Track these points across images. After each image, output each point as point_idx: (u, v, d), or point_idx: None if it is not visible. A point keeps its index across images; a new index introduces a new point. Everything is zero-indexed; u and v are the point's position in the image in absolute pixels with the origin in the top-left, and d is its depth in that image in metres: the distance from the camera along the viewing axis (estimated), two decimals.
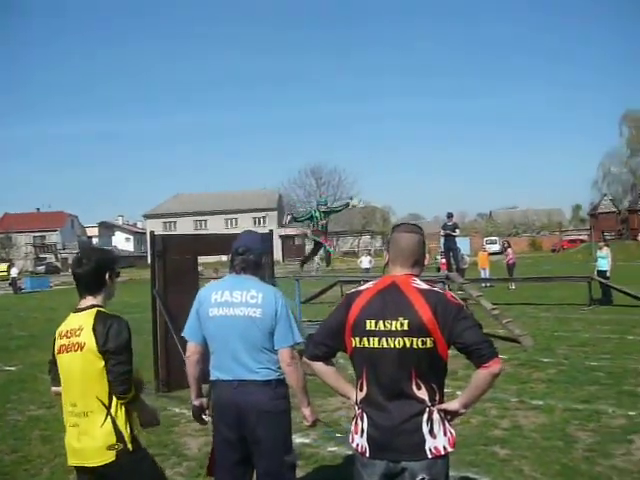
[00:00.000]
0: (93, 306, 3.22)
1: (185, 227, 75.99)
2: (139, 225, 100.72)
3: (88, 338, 3.09)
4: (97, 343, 3.06)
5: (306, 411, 3.59)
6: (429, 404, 2.71)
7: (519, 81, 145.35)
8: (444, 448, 2.71)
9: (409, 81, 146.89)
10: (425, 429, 2.69)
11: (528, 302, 17.68)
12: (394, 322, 2.70)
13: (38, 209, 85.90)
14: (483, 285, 23.97)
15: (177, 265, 8.46)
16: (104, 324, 3.10)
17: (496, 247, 60.16)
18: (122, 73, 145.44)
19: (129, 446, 3.14)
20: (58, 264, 74.85)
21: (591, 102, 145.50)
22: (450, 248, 19.37)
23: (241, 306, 3.45)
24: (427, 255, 3.03)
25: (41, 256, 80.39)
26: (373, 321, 2.74)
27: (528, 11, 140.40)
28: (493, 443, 5.85)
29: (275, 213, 75.74)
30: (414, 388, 2.70)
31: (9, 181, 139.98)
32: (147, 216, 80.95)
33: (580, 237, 66.87)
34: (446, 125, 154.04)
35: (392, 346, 2.70)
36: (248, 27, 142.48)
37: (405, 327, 2.68)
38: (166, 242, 8.63)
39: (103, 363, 3.07)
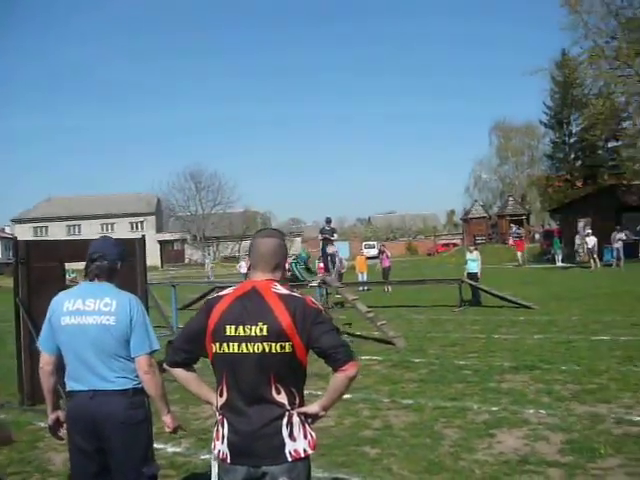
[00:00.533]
0: None
1: (57, 233, 72.65)
2: (7, 230, 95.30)
3: None
4: None
5: (166, 419, 3.52)
6: (289, 408, 2.73)
7: (402, 87, 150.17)
8: (304, 451, 2.73)
9: (285, 82, 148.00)
10: (285, 432, 2.71)
11: (403, 304, 18.22)
12: (254, 327, 2.71)
13: None
14: (361, 289, 24.55)
15: (42, 272, 8.10)
16: None
17: (374, 251, 61.77)
18: None
19: None
20: None
21: (465, 111, 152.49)
22: (328, 252, 19.68)
23: (94, 314, 3.37)
24: (289, 259, 3.03)
25: None
26: (233, 326, 2.74)
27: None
28: (364, 443, 5.95)
29: (153, 218, 74.07)
30: (273, 393, 2.72)
31: None
32: (15, 221, 76.69)
33: (453, 241, 69.85)
34: (326, 130, 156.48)
35: (251, 351, 2.71)
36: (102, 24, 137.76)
37: (264, 332, 2.70)
38: (30, 248, 8.25)
39: None
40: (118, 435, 3.30)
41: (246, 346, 2.71)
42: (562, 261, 34.37)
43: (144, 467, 3.40)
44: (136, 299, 3.53)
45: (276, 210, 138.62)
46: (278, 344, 2.68)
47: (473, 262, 18.42)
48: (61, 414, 3.53)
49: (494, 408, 6.85)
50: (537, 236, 53.88)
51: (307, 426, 2.79)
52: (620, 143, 43.47)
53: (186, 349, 2.87)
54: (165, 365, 2.94)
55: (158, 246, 71.71)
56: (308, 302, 2.79)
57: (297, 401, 2.77)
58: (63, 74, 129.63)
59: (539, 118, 59.96)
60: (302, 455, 2.72)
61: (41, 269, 8.14)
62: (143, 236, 9.66)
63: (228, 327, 2.74)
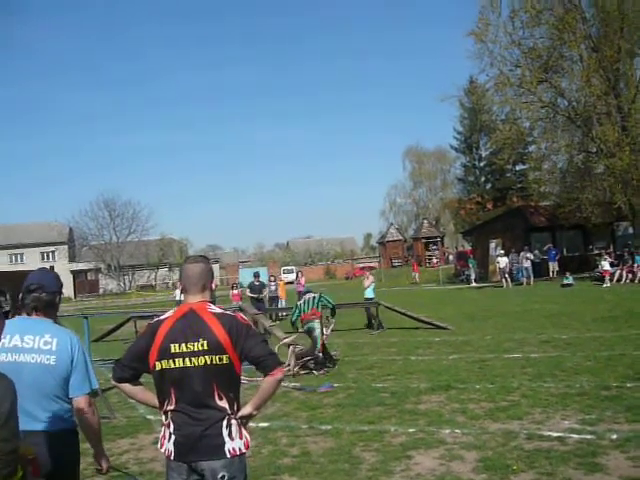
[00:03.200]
0: None
1: None
2: None
3: None
4: None
5: (101, 460, 3.56)
6: (229, 412, 3.13)
7: (319, 108, 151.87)
8: (239, 449, 3.13)
9: (197, 107, 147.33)
10: (225, 433, 3.10)
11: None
12: (196, 343, 3.11)
13: None
14: (280, 315, 24.44)
15: None
16: None
17: (293, 276, 61.88)
18: None
19: None
20: None
21: (379, 135, 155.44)
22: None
23: (33, 352, 3.26)
24: (215, 280, 3.51)
25: None
26: (177, 344, 3.12)
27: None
28: (282, 471, 5.89)
29: (65, 247, 71.54)
30: (217, 399, 3.11)
31: None
32: None
33: (370, 264, 70.78)
34: (242, 156, 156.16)
35: (196, 364, 3.10)
36: None
37: (205, 347, 3.10)
38: None
39: None
40: (52, 476, 3.16)
41: (190, 360, 3.11)
42: (475, 281, 35.26)
43: None
44: (76, 338, 3.44)
45: (193, 237, 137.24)
46: (217, 356, 3.10)
47: (367, 288, 18.83)
48: None
49: (411, 430, 6.91)
50: (451, 257, 55.28)
51: (243, 429, 3.20)
52: (527, 166, 45.45)
53: (133, 366, 3.25)
54: (112, 381, 3.30)
55: (71, 276, 69.19)
56: (239, 319, 3.25)
57: (235, 406, 3.18)
58: None
59: (450, 143, 62.18)
60: (238, 453, 3.13)
61: None
62: (52, 267, 9.29)
63: (173, 345, 3.13)
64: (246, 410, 3.23)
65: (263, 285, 19.54)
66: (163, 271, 71.49)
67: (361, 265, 70.01)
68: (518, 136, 33.16)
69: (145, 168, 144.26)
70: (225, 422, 3.12)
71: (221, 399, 3.12)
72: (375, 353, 12.99)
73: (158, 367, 3.14)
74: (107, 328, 18.80)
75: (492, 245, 36.62)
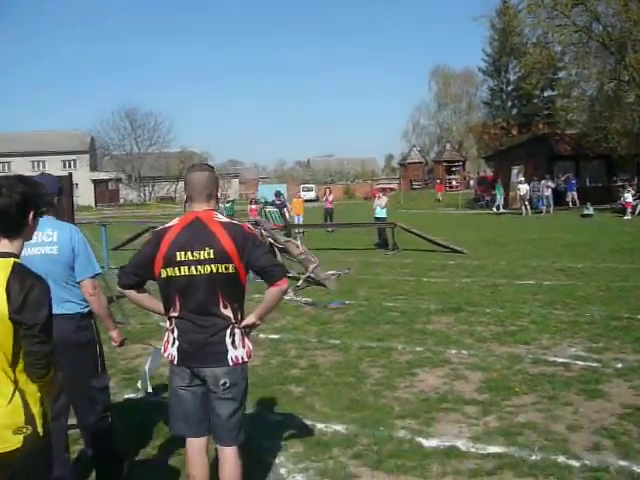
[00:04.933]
0: (8, 255, 2.40)
1: None
2: None
3: None
4: (9, 308, 2.27)
5: (113, 333, 3.91)
6: (233, 321, 3.18)
7: (338, 34, 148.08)
8: (242, 358, 3.20)
9: (222, 21, 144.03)
10: (228, 341, 3.16)
11: (337, 247, 18.35)
12: (202, 252, 3.11)
13: None
14: (297, 231, 24.56)
15: None
16: (22, 284, 2.31)
17: (312, 194, 61.83)
18: None
19: (39, 430, 2.38)
20: None
21: (406, 55, 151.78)
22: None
23: (37, 246, 3.56)
24: (220, 189, 3.53)
25: None
26: (183, 252, 3.12)
27: None
28: (289, 382, 6.00)
29: (87, 156, 71.69)
30: (221, 308, 3.15)
31: None
32: None
33: (390, 186, 70.37)
34: (266, 70, 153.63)
35: (202, 272, 3.11)
36: None
37: (212, 255, 3.10)
38: None
39: (12, 332, 2.28)
40: (69, 356, 3.48)
41: (196, 268, 3.11)
42: (500, 207, 34.64)
43: (93, 380, 3.77)
44: (75, 228, 3.83)
45: (214, 151, 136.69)
46: (223, 265, 3.10)
47: (381, 208, 18.80)
48: None
49: (418, 348, 7.00)
50: (472, 182, 54.76)
51: (246, 339, 3.25)
52: (555, 93, 44.26)
53: (137, 273, 3.27)
54: (118, 287, 3.37)
55: (92, 185, 69.80)
56: (246, 229, 3.23)
57: (240, 315, 3.22)
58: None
59: (478, 65, 60.44)
60: (240, 361, 3.19)
61: None
62: (70, 174, 9.25)
63: (178, 253, 3.13)
64: (250, 319, 3.27)
65: (284, 204, 19.53)
66: (183, 184, 71.53)
67: (381, 186, 69.78)
68: (548, 60, 32.23)
69: (168, 80, 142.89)
70: (229, 331, 3.17)
71: (225, 308, 3.16)
72: (388, 273, 13.06)
73: (164, 275, 3.17)
74: (126, 237, 19.03)
75: (514, 172, 36.19)
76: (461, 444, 4.43)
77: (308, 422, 4.94)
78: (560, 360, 6.33)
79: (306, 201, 58.60)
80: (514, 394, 5.39)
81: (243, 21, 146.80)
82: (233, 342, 3.18)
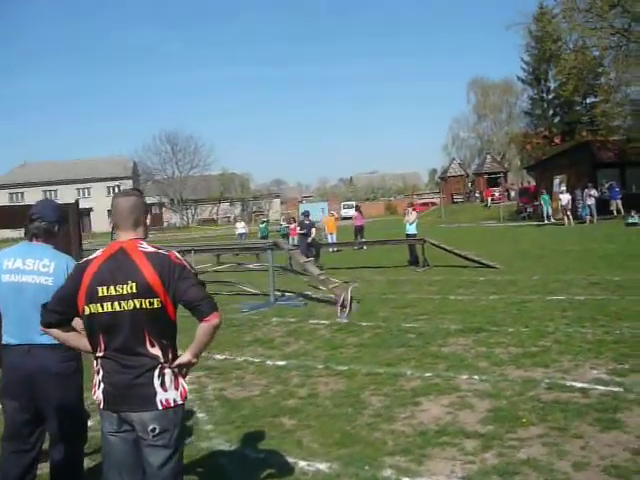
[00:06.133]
0: None
1: (34, 198, 71.24)
2: None
3: None
4: None
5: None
6: (162, 361, 2.91)
7: (382, 47, 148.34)
8: (174, 401, 2.93)
9: (265, 45, 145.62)
10: (157, 382, 2.89)
11: (367, 265, 17.98)
12: (125, 286, 2.87)
13: None
14: (330, 250, 24.25)
15: None
16: None
17: (353, 211, 61.47)
18: None
19: None
20: None
21: (443, 68, 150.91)
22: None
23: (32, 274, 3.64)
24: (149, 215, 3.20)
25: None
26: (105, 287, 2.89)
27: None
28: (284, 414, 5.66)
29: (130, 181, 72.75)
30: (148, 346, 2.89)
31: None
32: None
33: (432, 200, 69.60)
34: (309, 91, 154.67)
35: (125, 309, 2.87)
36: None
37: (134, 289, 2.86)
38: None
39: None
40: (52, 386, 3.57)
41: (119, 304, 2.87)
42: (551, 217, 33.21)
43: (76, 412, 3.76)
44: (72, 261, 3.75)
45: (257, 172, 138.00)
46: (147, 300, 2.86)
47: (410, 224, 18.16)
48: None
49: (427, 374, 6.57)
50: (513, 194, 53.58)
51: (180, 378, 2.99)
52: (597, 99, 43.10)
53: (59, 311, 3.03)
54: (41, 327, 3.12)
55: None
56: (173, 258, 2.95)
57: (170, 354, 2.95)
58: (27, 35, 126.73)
59: (517, 74, 59.41)
60: (172, 405, 2.92)
61: None
62: (76, 201, 9.21)
63: (100, 288, 2.89)
64: (184, 358, 2.99)
65: (312, 224, 19.23)
66: (224, 205, 72.12)
67: (421, 201, 69.04)
68: (585, 65, 31.25)
69: (206, 103, 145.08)
70: (157, 371, 2.91)
71: (153, 346, 2.91)
72: (414, 291, 12.61)
73: (87, 312, 2.95)
74: None
75: (556, 181, 35.09)
76: None
77: (291, 460, 4.59)
78: (578, 385, 5.81)
79: (346, 219, 58.56)
80: (521, 425, 4.93)
81: (283, 40, 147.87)
82: (163, 384, 2.91)
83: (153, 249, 3.00)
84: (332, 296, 11.12)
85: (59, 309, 3.03)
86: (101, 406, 2.98)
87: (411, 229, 17.88)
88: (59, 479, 3.79)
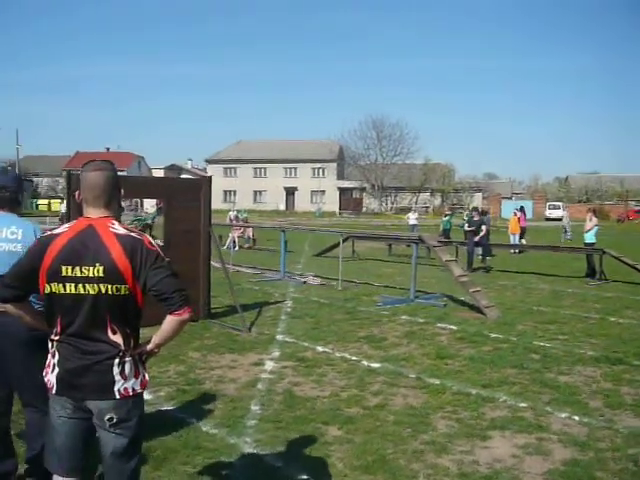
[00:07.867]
0: None
1: (245, 174, 76.03)
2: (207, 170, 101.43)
3: None
4: None
5: None
6: (123, 348, 2.73)
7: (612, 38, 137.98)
8: (133, 389, 2.76)
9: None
10: (116, 371, 2.71)
11: (535, 271, 16.56)
12: (91, 268, 2.66)
13: (108, 149, 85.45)
14: (512, 252, 22.78)
15: None
16: None
17: (559, 213, 57.66)
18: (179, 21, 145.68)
19: None
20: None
21: None
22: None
23: (1, 242, 3.67)
24: (122, 191, 2.92)
25: None
26: (70, 267, 2.68)
27: None
28: (335, 422, 5.19)
29: (334, 165, 74.52)
30: (109, 333, 2.71)
31: (82, 122, 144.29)
32: (209, 161, 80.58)
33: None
34: (522, 83, 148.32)
35: (88, 292, 2.67)
36: None
37: (101, 273, 2.65)
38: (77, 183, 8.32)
39: None
40: (20, 352, 3.59)
41: (83, 287, 2.67)
42: None
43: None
44: (40, 228, 3.74)
45: (460, 163, 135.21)
46: (114, 286, 2.66)
47: (588, 231, 16.21)
48: None
49: (522, 404, 5.68)
50: None
51: (140, 366, 2.81)
52: None
53: (16, 286, 2.80)
54: None
55: (337, 193, 72.47)
56: (146, 244, 2.73)
57: (132, 342, 2.78)
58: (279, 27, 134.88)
59: None
60: (131, 393, 2.75)
61: None
62: (210, 176, 9.41)
63: (64, 267, 2.68)
64: (146, 347, 2.85)
65: (482, 222, 18.08)
66: (425, 195, 71.30)
67: (638, 208, 63.00)
68: None
69: (417, 93, 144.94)
70: (117, 360, 2.72)
71: (115, 333, 2.72)
72: (573, 306, 11.27)
73: (47, 290, 2.74)
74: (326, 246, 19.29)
75: None
76: None
77: (303, 477, 4.10)
78: None
79: (550, 220, 55.15)
80: None
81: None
82: (122, 372, 2.73)
83: (125, 231, 2.75)
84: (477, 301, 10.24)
85: (16, 284, 2.82)
86: (53, 391, 2.79)
87: (589, 237, 16.09)
88: (35, 446, 3.76)
